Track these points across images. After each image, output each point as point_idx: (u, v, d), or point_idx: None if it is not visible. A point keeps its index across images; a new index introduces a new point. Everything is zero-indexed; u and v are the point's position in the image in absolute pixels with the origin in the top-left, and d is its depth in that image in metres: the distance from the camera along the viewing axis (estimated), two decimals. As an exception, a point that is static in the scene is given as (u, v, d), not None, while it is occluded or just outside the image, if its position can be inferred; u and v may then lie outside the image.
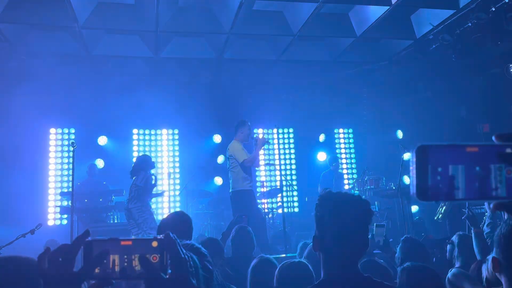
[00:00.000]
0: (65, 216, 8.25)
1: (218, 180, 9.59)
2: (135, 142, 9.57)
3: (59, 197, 8.67)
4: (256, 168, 7.48)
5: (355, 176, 10.30)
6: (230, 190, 6.51)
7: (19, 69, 7.89)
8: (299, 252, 4.37)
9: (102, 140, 9.23)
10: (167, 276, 0.91)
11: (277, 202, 9.66)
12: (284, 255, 5.29)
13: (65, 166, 8.98)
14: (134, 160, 7.88)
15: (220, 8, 7.18)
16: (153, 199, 8.30)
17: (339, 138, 10.78)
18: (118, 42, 7.97)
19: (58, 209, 8.55)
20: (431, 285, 2.65)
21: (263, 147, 6.79)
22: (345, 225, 1.72)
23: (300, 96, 9.69)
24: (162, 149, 9.71)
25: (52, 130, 9.13)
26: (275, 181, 10.05)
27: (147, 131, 9.69)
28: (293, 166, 10.37)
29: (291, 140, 10.48)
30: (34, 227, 5.18)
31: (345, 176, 10.37)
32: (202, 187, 9.18)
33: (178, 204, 9.37)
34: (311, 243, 2.11)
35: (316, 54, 8.82)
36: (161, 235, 0.94)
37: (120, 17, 7.10)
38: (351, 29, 7.73)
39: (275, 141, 7.72)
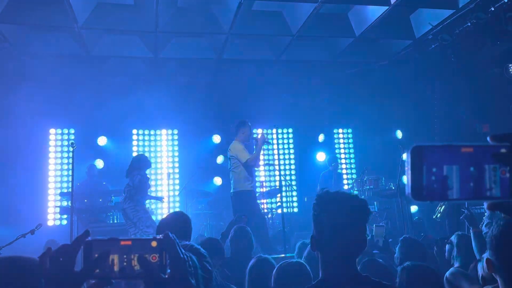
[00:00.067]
0: (65, 216, 8.25)
1: (218, 180, 9.59)
2: (134, 143, 9.57)
3: (59, 197, 8.67)
4: (256, 168, 7.48)
5: (354, 176, 10.31)
6: (231, 191, 6.50)
7: (19, 69, 7.90)
8: (297, 252, 4.37)
9: (102, 141, 9.22)
10: (166, 276, 0.92)
11: (276, 202, 9.66)
12: (283, 255, 5.29)
13: (65, 167, 8.98)
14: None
15: (219, 9, 7.19)
16: (152, 200, 8.31)
17: (338, 138, 10.78)
18: (118, 42, 7.98)
19: (58, 209, 8.55)
20: (431, 284, 2.66)
21: (263, 146, 6.79)
22: (342, 224, 1.73)
23: (299, 96, 9.69)
24: (162, 149, 9.71)
25: (52, 131, 9.13)
26: (275, 181, 10.05)
27: (146, 132, 9.69)
28: (293, 166, 10.37)
29: (291, 140, 10.48)
30: (34, 227, 5.18)
31: (345, 176, 10.38)
32: (201, 187, 9.18)
33: (177, 204, 9.37)
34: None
35: (316, 54, 8.83)
36: (160, 235, 0.95)
37: (120, 17, 7.11)
38: (351, 29, 7.74)
39: (274, 141, 7.73)
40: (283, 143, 10.33)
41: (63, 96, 8.50)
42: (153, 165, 9.49)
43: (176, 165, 9.71)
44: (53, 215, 8.77)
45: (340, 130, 10.81)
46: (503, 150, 0.67)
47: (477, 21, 6.78)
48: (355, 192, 8.14)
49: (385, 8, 6.80)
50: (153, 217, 8.66)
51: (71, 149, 6.04)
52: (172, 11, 7.15)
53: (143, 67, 8.72)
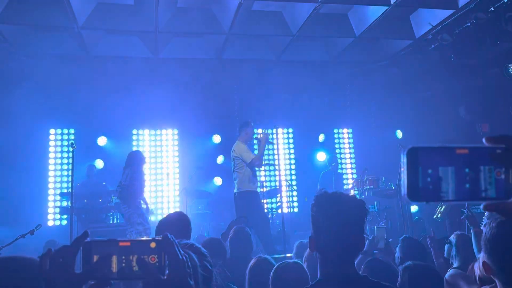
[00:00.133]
0: (65, 216, 8.26)
1: (218, 181, 9.59)
2: (134, 143, 9.56)
3: (58, 198, 8.67)
4: (256, 169, 7.47)
5: (354, 176, 10.31)
6: (235, 191, 6.48)
7: (19, 69, 7.91)
8: (295, 251, 4.38)
9: (102, 141, 9.22)
10: (165, 277, 0.92)
11: (276, 202, 9.67)
12: (283, 255, 5.30)
13: (65, 167, 8.98)
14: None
15: (219, 9, 7.19)
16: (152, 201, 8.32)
17: (338, 138, 10.79)
18: (118, 42, 7.99)
19: (57, 210, 8.55)
20: (432, 283, 2.67)
21: (266, 146, 6.79)
22: (340, 225, 1.73)
23: (299, 96, 9.69)
24: (162, 149, 9.71)
25: (52, 131, 9.13)
26: (275, 181, 10.06)
27: (146, 132, 9.69)
28: (293, 166, 10.37)
29: (291, 140, 10.48)
30: (33, 228, 5.17)
31: (345, 176, 10.38)
32: (201, 188, 9.18)
33: (177, 205, 9.37)
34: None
35: (315, 54, 8.83)
36: (159, 236, 0.95)
37: (120, 17, 7.11)
38: (350, 29, 7.74)
39: (274, 141, 7.74)
40: (283, 143, 10.33)
41: (63, 96, 8.51)
42: (153, 165, 9.52)
43: (176, 165, 9.71)
44: (53, 215, 8.77)
45: (340, 130, 10.81)
46: (498, 151, 0.68)
47: (477, 21, 6.77)
48: (354, 193, 8.15)
49: (385, 8, 6.81)
50: (153, 217, 8.69)
51: (71, 149, 6.04)
52: (172, 11, 7.16)
53: (143, 67, 8.71)
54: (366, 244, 3.76)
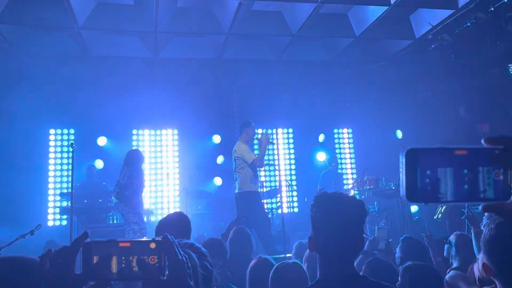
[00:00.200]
0: (65, 216, 8.25)
1: (218, 181, 9.58)
2: (134, 143, 9.56)
3: (58, 198, 8.67)
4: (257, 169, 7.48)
5: (354, 176, 10.31)
6: (236, 191, 6.47)
7: (19, 69, 7.91)
8: (295, 251, 4.38)
9: (102, 141, 9.22)
10: (165, 278, 0.93)
11: (276, 202, 9.67)
12: (283, 256, 5.30)
13: (65, 167, 8.98)
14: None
15: (219, 9, 7.19)
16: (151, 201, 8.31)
17: (338, 138, 10.79)
18: (118, 42, 7.98)
19: (57, 210, 8.55)
20: (433, 284, 2.67)
21: (268, 146, 6.79)
22: (340, 225, 1.73)
23: (299, 96, 9.69)
24: (162, 150, 9.71)
25: (52, 131, 9.13)
26: (275, 181, 10.06)
27: (146, 132, 9.69)
28: (293, 166, 10.37)
29: (291, 140, 10.48)
30: (33, 228, 5.17)
31: (345, 176, 10.38)
32: (201, 188, 9.18)
33: (177, 205, 9.37)
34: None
35: (315, 54, 8.83)
36: (159, 237, 0.95)
37: (120, 17, 7.11)
38: (350, 29, 7.74)
39: (275, 141, 7.74)
40: (283, 143, 10.33)
41: (63, 96, 8.51)
42: (153, 165, 9.52)
43: (176, 165, 9.71)
44: (53, 215, 8.77)
45: (340, 130, 10.82)
46: (496, 152, 0.68)
47: (477, 21, 6.77)
48: (354, 193, 8.15)
49: (385, 8, 6.81)
50: (153, 217, 8.70)
51: (71, 149, 6.04)
52: (172, 11, 7.16)
53: (143, 67, 8.71)
54: (366, 244, 3.77)
